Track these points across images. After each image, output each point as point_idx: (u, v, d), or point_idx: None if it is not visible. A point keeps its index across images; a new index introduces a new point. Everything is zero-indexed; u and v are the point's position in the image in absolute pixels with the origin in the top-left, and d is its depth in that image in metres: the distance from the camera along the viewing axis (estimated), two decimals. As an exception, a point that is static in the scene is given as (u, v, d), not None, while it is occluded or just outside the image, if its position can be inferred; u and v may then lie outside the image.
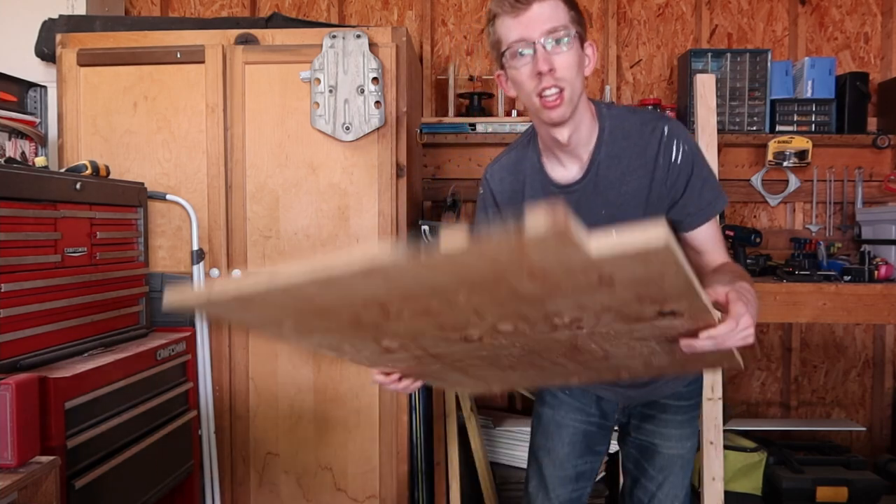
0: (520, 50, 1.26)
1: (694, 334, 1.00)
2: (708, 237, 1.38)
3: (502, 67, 1.32)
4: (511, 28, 1.26)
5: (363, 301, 0.89)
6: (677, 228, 1.40)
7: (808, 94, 2.91)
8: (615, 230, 1.29)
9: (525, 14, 1.24)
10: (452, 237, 0.71)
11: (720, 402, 2.38)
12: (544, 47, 1.24)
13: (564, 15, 1.26)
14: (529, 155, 1.44)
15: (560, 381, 1.46)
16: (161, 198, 2.33)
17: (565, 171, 1.39)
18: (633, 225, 1.30)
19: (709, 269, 1.38)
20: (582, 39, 1.29)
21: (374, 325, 1.02)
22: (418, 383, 1.30)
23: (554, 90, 1.25)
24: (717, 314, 1.02)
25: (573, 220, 0.70)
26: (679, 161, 1.33)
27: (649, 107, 2.96)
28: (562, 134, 1.31)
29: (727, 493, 2.42)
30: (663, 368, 1.28)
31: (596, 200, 1.36)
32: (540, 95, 1.26)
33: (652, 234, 0.75)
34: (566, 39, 1.25)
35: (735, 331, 1.01)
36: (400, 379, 1.29)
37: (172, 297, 0.84)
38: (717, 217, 1.39)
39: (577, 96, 1.29)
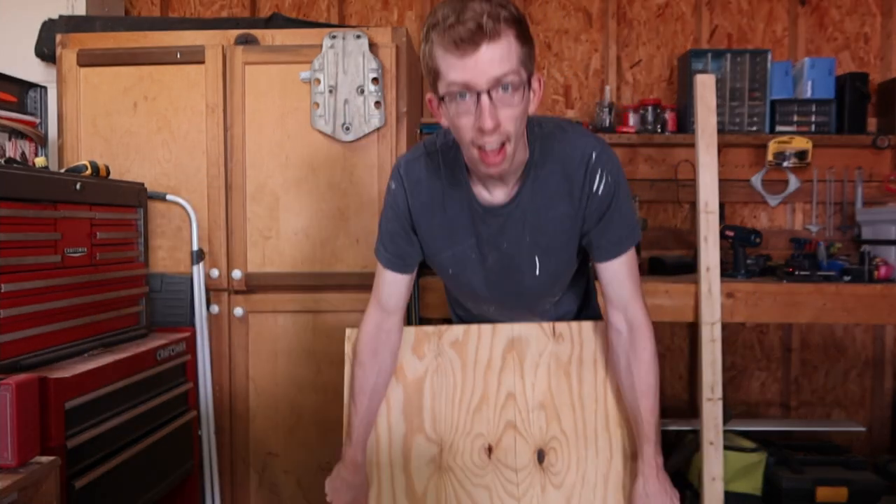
0: (460, 93, 1.10)
1: None
2: (616, 274, 1.32)
3: (436, 96, 1.16)
4: (453, 67, 1.08)
5: None
6: (591, 257, 1.36)
7: (808, 95, 2.91)
8: (538, 258, 1.33)
9: (472, 57, 1.06)
10: None
11: (720, 403, 2.38)
12: (490, 97, 1.08)
13: (516, 55, 1.09)
14: (451, 164, 1.31)
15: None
16: (161, 198, 2.33)
17: (490, 194, 1.30)
18: (558, 253, 1.34)
19: (612, 297, 1.34)
20: (531, 76, 1.14)
21: None
22: None
23: (495, 145, 1.13)
24: None
25: None
26: (600, 192, 1.26)
27: (583, 125, 2.96)
28: (495, 172, 1.22)
29: (727, 494, 2.42)
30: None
31: (521, 225, 1.30)
32: (479, 147, 1.14)
33: None
34: (516, 87, 1.10)
35: None
36: None
37: None
38: (632, 255, 1.33)
39: (519, 142, 1.18)
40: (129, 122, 2.36)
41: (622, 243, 1.31)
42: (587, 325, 1.47)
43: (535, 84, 1.17)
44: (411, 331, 1.49)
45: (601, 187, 1.26)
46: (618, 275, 1.33)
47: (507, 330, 1.47)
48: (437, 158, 1.33)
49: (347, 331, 1.52)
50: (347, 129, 2.28)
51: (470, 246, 1.35)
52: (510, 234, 1.32)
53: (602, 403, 1.44)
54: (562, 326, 1.47)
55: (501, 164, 1.17)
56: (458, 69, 1.08)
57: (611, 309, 1.37)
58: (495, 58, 1.07)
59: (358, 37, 2.26)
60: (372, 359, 1.45)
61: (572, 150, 1.27)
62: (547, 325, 1.46)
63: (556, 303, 1.50)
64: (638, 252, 1.54)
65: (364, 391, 1.46)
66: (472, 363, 1.47)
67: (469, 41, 1.05)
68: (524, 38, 1.11)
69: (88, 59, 2.35)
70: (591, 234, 1.31)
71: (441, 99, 1.15)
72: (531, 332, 1.46)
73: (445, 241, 1.36)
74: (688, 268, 2.65)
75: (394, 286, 1.42)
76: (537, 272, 1.36)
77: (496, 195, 1.30)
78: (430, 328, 1.50)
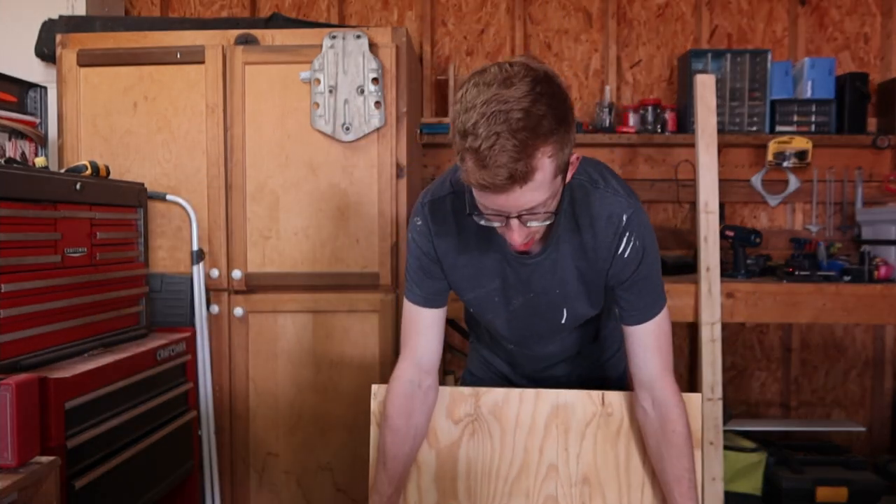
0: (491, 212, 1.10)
1: None
2: (641, 342, 1.28)
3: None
4: (484, 197, 1.07)
5: None
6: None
7: (808, 95, 2.91)
8: (566, 310, 1.31)
9: (505, 196, 1.03)
10: None
11: (720, 403, 2.38)
12: (520, 220, 1.08)
13: (549, 182, 1.04)
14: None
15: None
16: (161, 198, 2.33)
17: None
18: (585, 305, 1.32)
19: (638, 372, 1.29)
20: (567, 168, 1.10)
21: None
22: None
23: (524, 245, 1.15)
24: None
25: None
26: (626, 255, 1.23)
27: (616, 188, 2.95)
28: None
29: (727, 493, 2.42)
30: None
31: (551, 275, 1.28)
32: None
33: None
34: (548, 211, 1.09)
35: None
36: None
37: None
38: (661, 324, 1.28)
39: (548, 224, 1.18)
40: (129, 122, 2.36)
41: (647, 310, 1.27)
42: None
43: (571, 159, 1.12)
44: (446, 391, 1.39)
45: (628, 250, 1.23)
46: (643, 343, 1.27)
47: (551, 396, 1.37)
48: (465, 198, 1.23)
49: (374, 387, 1.42)
50: (347, 129, 2.28)
51: (494, 289, 1.31)
52: (539, 282, 1.29)
53: (650, 480, 1.33)
54: (611, 396, 1.37)
55: (532, 247, 1.19)
56: (489, 200, 1.07)
57: (637, 385, 1.30)
58: (527, 192, 1.03)
59: (358, 37, 2.26)
60: (406, 423, 1.33)
61: (601, 209, 1.23)
62: (595, 394, 1.37)
63: (579, 333, 1.45)
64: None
65: (397, 458, 1.33)
66: (511, 430, 1.36)
67: (501, 188, 1.02)
68: (562, 142, 1.04)
69: (88, 59, 2.35)
70: (615, 294, 1.28)
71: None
72: (577, 400, 1.36)
73: (469, 283, 1.32)
74: (688, 268, 2.65)
75: (431, 330, 1.34)
76: (563, 320, 1.33)
77: None
78: (466, 389, 1.40)
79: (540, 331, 1.37)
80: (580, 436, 1.35)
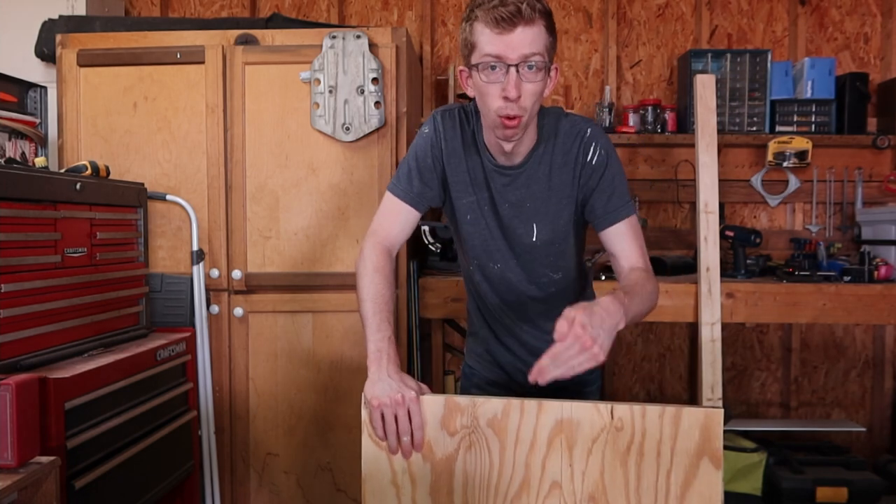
0: (493, 65, 1.28)
1: None
2: (617, 239, 1.43)
3: (468, 67, 1.34)
4: (490, 42, 1.27)
5: None
6: (595, 227, 1.48)
7: (808, 95, 2.91)
8: (535, 225, 1.44)
9: (508, 35, 1.25)
10: None
11: (720, 403, 2.38)
12: (517, 71, 1.27)
13: (544, 41, 1.28)
14: (476, 127, 1.47)
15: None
16: (161, 198, 2.33)
17: (503, 159, 1.46)
18: (553, 221, 1.45)
19: (622, 273, 1.43)
20: (551, 63, 1.33)
21: None
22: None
23: (514, 118, 1.30)
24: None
25: None
26: (594, 162, 1.41)
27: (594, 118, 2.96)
28: (507, 145, 1.38)
29: (727, 494, 2.42)
30: None
31: (525, 191, 1.45)
32: (500, 115, 1.31)
33: None
34: (539, 68, 1.28)
35: (571, 348, 1.09)
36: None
37: None
38: (632, 221, 1.44)
39: (531, 120, 1.36)
40: (129, 122, 2.36)
41: (619, 211, 1.42)
42: (653, 410, 1.24)
43: (552, 72, 1.35)
44: (440, 401, 1.29)
45: (595, 158, 1.42)
46: (619, 238, 1.44)
47: (555, 409, 1.28)
48: (471, 118, 1.48)
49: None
50: (347, 129, 2.28)
51: (483, 199, 1.48)
52: (513, 197, 1.46)
53: (664, 501, 1.24)
54: (621, 409, 1.27)
55: (516, 131, 1.33)
56: (494, 43, 1.26)
57: (618, 275, 1.45)
58: (527, 39, 1.25)
59: (358, 37, 2.26)
60: (390, 268, 1.42)
61: (570, 128, 1.44)
62: (604, 407, 1.27)
63: (556, 284, 1.53)
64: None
65: (389, 302, 1.37)
66: (512, 444, 1.28)
67: (508, 21, 1.24)
68: (551, 29, 1.30)
69: (88, 59, 2.35)
70: (588, 203, 1.44)
71: (472, 70, 1.32)
72: (584, 414, 1.27)
73: (463, 187, 1.48)
74: (688, 268, 2.65)
75: (404, 224, 1.48)
76: (534, 238, 1.48)
77: (508, 160, 1.45)
78: (462, 399, 1.29)
79: (520, 246, 1.49)
80: (586, 452, 1.27)
